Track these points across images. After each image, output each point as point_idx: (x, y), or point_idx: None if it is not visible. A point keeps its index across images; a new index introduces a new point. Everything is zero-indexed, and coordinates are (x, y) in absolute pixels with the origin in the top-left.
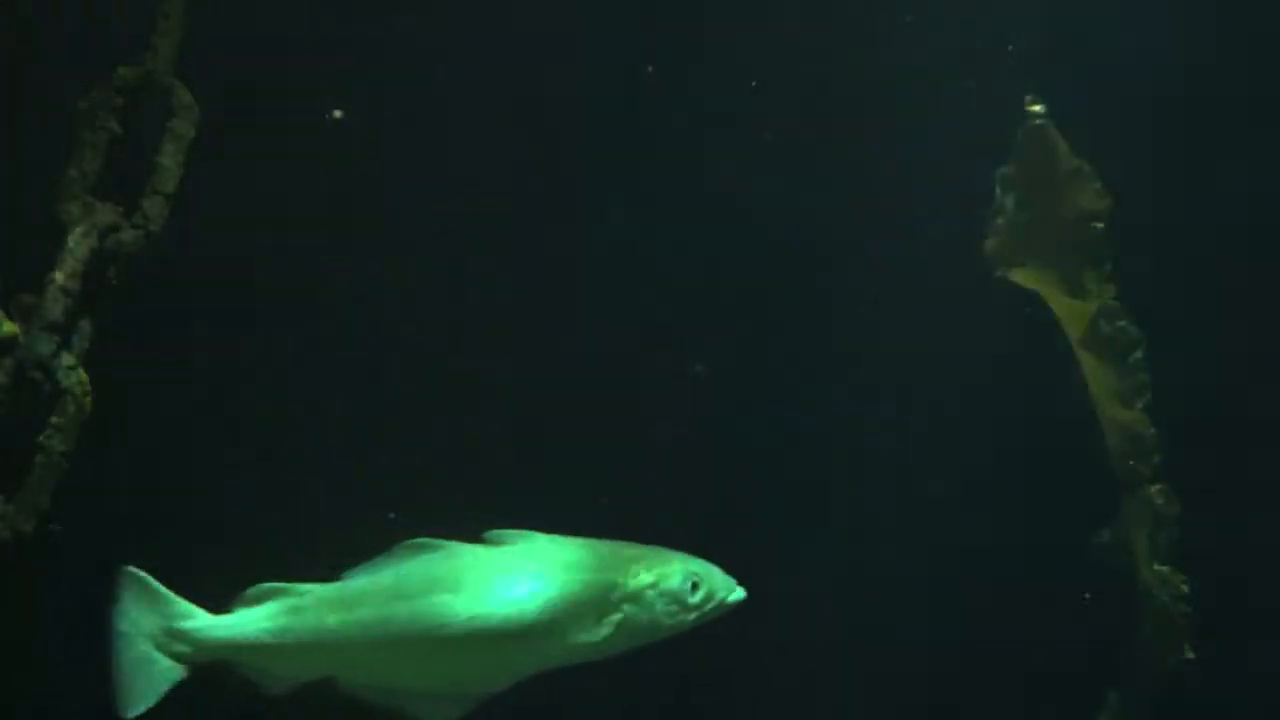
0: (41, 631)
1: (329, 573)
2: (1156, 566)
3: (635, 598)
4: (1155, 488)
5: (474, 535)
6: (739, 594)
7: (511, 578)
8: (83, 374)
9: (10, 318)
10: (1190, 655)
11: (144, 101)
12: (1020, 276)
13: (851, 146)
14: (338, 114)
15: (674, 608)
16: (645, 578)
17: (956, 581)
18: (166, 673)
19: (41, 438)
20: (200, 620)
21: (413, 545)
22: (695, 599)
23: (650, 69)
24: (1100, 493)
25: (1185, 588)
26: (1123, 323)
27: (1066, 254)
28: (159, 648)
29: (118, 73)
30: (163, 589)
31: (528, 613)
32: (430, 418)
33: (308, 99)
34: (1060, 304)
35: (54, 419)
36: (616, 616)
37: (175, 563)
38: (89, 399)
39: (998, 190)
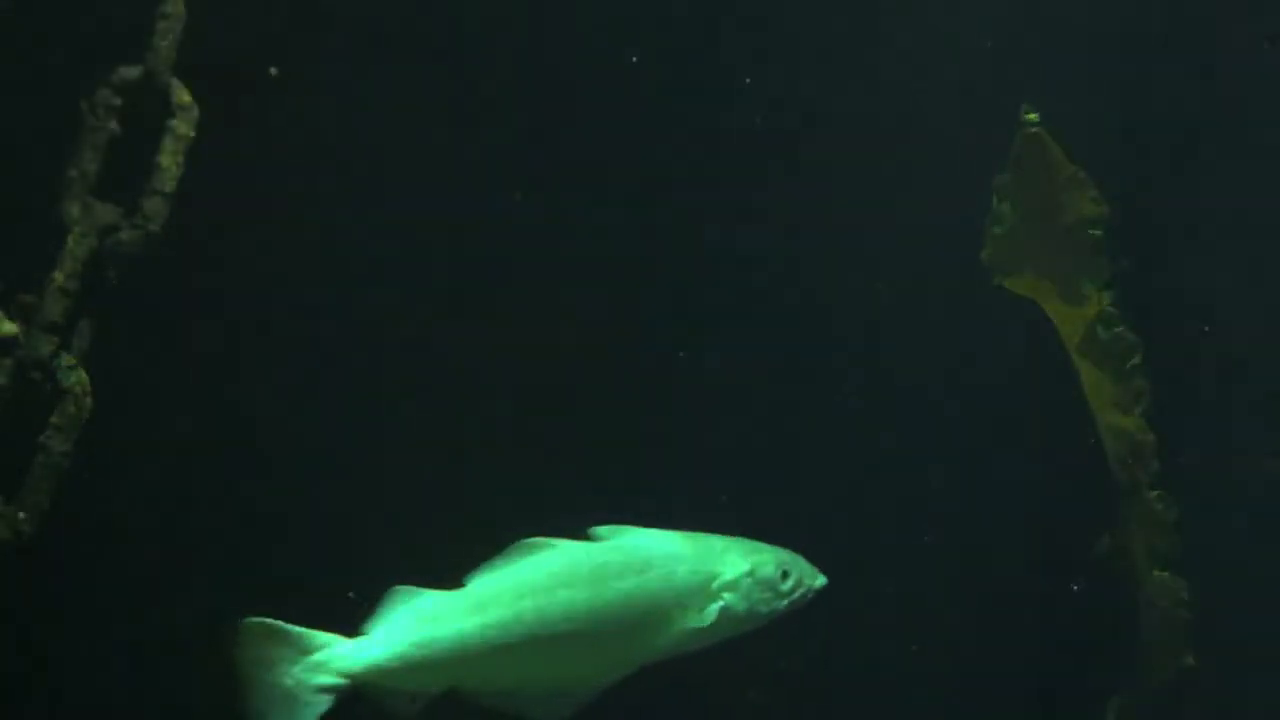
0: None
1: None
2: (1157, 572)
3: (734, 586)
4: (1155, 493)
5: (577, 532)
6: (822, 580)
7: (623, 571)
8: (83, 374)
9: (10, 318)
10: (1191, 661)
11: (144, 101)
12: (1017, 285)
13: (849, 152)
14: (273, 71)
15: (768, 595)
16: (742, 566)
17: (956, 589)
18: (314, 708)
19: (41, 438)
20: (342, 647)
21: (527, 545)
22: (787, 586)
23: (634, 59)
24: (1100, 499)
25: (1185, 594)
26: (1119, 329)
27: (1064, 261)
28: (301, 684)
29: (118, 73)
30: (289, 626)
31: (641, 604)
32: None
33: (311, 97)
34: (1057, 311)
35: (54, 419)
36: (718, 604)
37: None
38: (89, 399)
39: (994, 198)
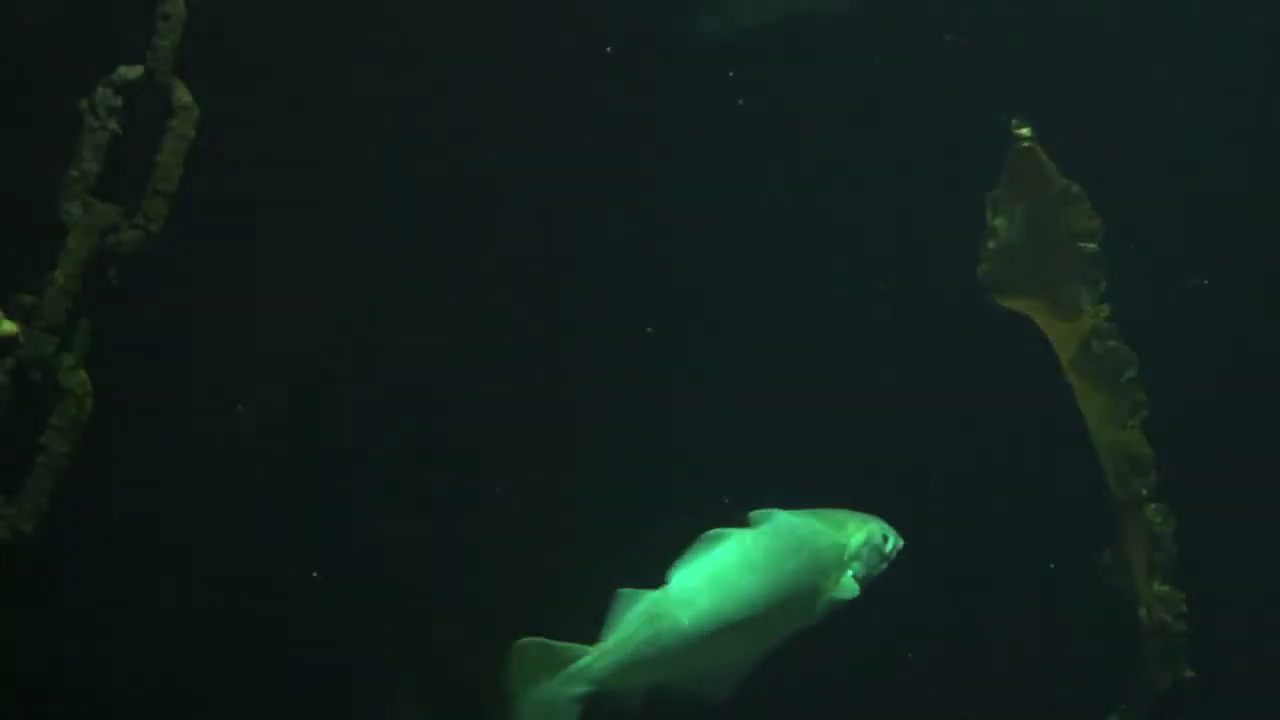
0: None
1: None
2: (1156, 586)
3: (857, 555)
4: (1153, 506)
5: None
6: (902, 540)
7: (787, 552)
8: (83, 374)
9: (10, 318)
10: (1190, 673)
11: (144, 101)
12: (1012, 300)
13: (848, 164)
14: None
15: (877, 559)
16: (860, 536)
17: (955, 600)
18: (571, 716)
19: (42, 438)
20: (590, 654)
21: (710, 535)
22: (888, 549)
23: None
24: (1099, 513)
25: (1185, 606)
26: (1114, 342)
27: (1059, 276)
28: (556, 695)
29: (118, 73)
30: (549, 642)
31: (802, 581)
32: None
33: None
34: (1052, 326)
35: (54, 419)
36: (850, 573)
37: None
38: (89, 399)
39: (989, 213)
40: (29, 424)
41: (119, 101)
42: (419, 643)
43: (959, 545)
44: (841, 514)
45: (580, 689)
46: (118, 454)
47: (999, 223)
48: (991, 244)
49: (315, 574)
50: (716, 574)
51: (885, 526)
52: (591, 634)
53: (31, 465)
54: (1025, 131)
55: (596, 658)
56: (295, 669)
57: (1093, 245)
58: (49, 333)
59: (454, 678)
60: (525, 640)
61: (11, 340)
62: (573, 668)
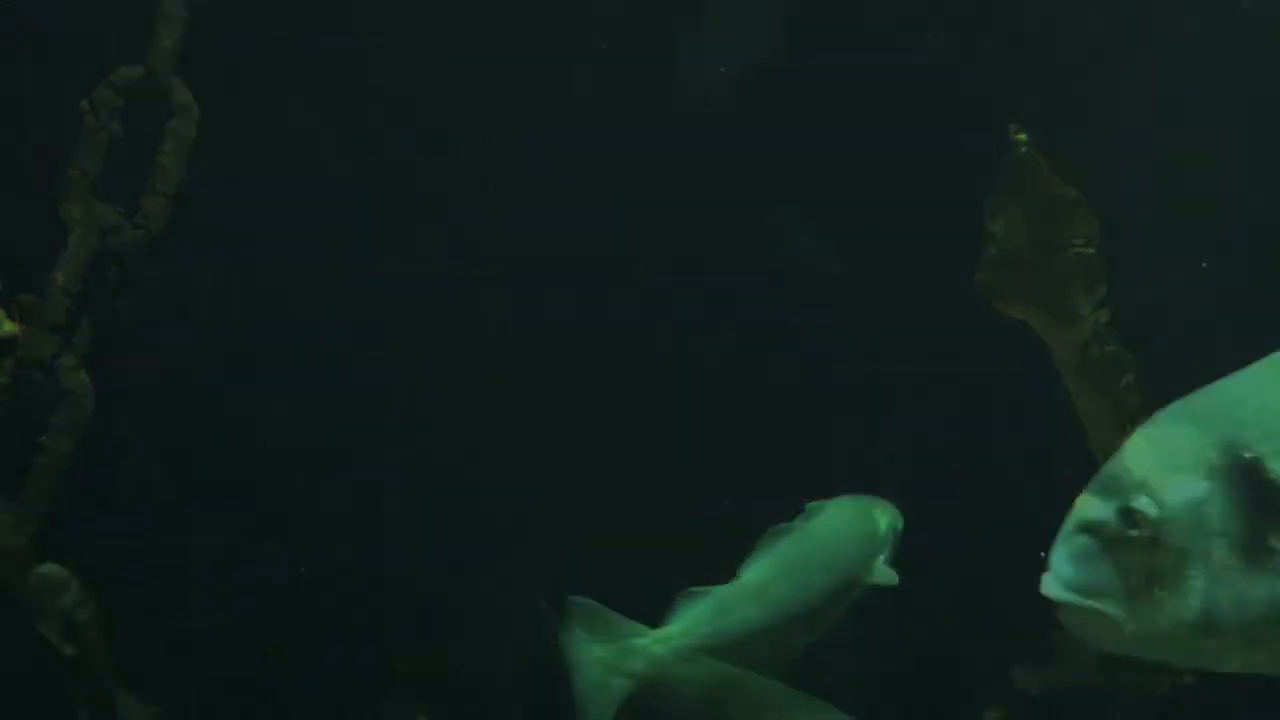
0: None
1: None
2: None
3: (885, 540)
4: None
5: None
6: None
7: (843, 542)
8: (84, 374)
9: (11, 318)
10: (1188, 679)
11: (144, 101)
12: (1011, 307)
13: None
14: None
15: (894, 542)
16: (885, 521)
17: (953, 606)
18: (620, 692)
19: (43, 438)
20: (651, 636)
21: (775, 531)
22: (899, 529)
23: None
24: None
25: None
26: (1113, 347)
27: (1057, 281)
28: (612, 669)
29: (118, 73)
30: (610, 611)
31: (854, 569)
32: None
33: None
34: (1050, 333)
35: (55, 419)
36: (883, 557)
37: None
38: (89, 399)
39: (987, 220)
40: (29, 424)
41: (119, 101)
42: (420, 646)
43: (958, 549)
44: (864, 500)
45: (637, 666)
46: (118, 454)
47: (997, 228)
48: (990, 250)
49: (303, 570)
50: (789, 569)
51: (893, 509)
52: None
53: (31, 465)
54: (1023, 136)
55: (657, 640)
56: (295, 669)
57: (1092, 250)
58: (49, 333)
59: (454, 677)
60: (581, 600)
61: (12, 340)
62: (630, 642)
